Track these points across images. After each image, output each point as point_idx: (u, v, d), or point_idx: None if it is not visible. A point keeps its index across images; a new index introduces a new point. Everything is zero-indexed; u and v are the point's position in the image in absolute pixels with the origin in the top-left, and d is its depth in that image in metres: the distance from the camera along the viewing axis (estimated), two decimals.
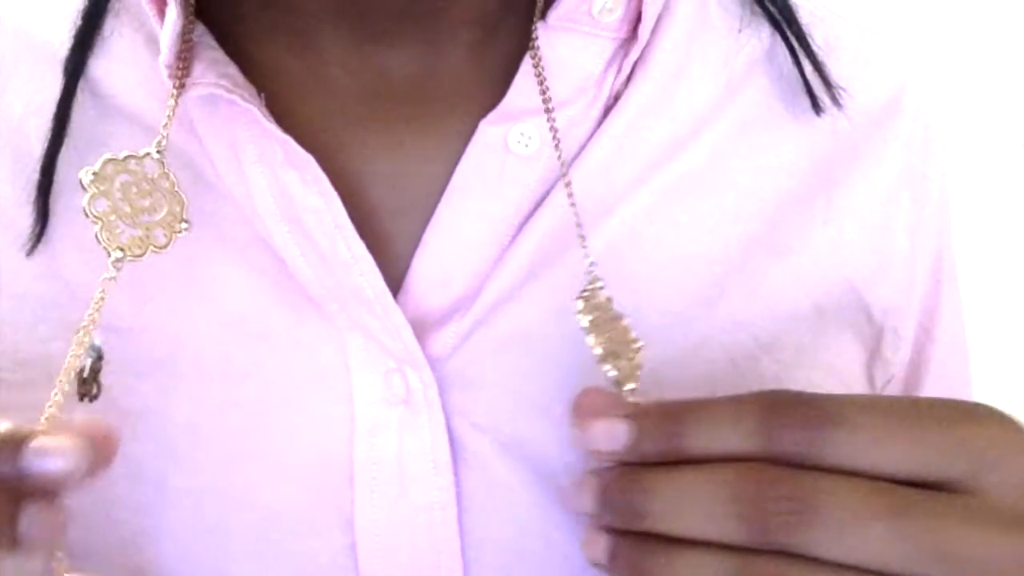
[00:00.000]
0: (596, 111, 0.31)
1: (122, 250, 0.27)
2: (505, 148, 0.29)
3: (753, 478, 0.22)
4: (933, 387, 0.36)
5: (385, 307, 0.28)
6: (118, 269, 0.27)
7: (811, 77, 0.33)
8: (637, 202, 0.31)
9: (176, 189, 0.28)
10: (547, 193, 0.30)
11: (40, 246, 0.30)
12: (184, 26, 0.29)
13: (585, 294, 0.27)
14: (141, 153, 0.28)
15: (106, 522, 0.29)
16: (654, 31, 0.31)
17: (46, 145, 0.30)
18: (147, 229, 0.28)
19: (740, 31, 0.34)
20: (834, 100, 0.33)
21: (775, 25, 0.33)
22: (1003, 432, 0.23)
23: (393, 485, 0.28)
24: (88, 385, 0.27)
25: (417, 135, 0.30)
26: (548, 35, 0.30)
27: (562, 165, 0.29)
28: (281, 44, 0.30)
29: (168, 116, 0.28)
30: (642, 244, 0.30)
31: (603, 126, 0.31)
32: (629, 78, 0.31)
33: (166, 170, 0.28)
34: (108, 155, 0.27)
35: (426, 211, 0.29)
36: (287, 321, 0.29)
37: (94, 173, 0.27)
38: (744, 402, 0.23)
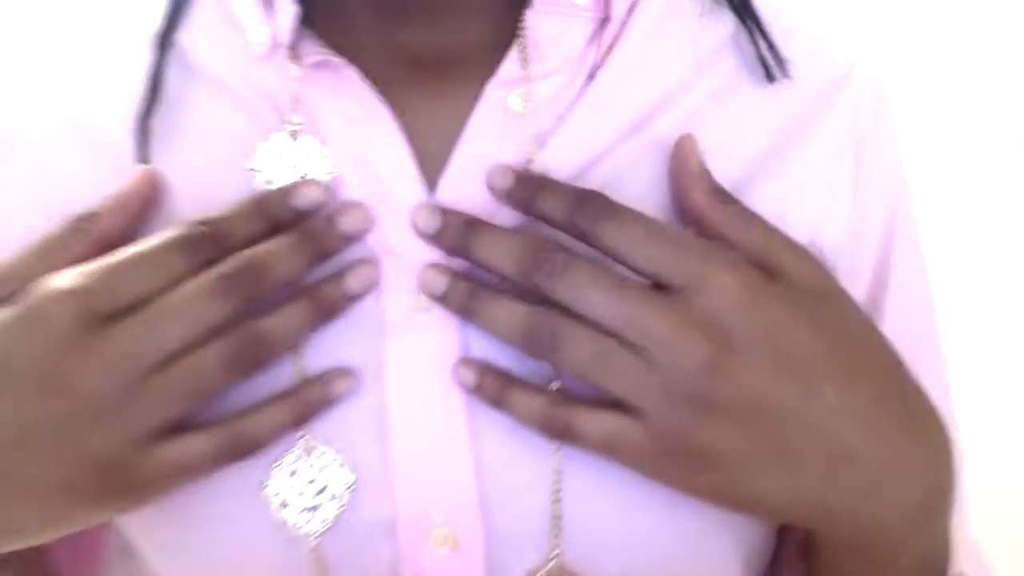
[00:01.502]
0: (580, 81, 0.38)
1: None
2: (505, 108, 0.37)
3: (540, 242, 0.33)
4: (888, 328, 0.39)
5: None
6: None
7: (766, 54, 0.40)
8: (615, 160, 0.37)
9: (315, 151, 0.37)
10: (539, 147, 0.37)
11: None
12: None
13: None
14: (287, 130, 0.37)
15: None
16: (629, 13, 0.38)
17: (139, 106, 0.38)
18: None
19: (702, 16, 0.40)
20: (784, 72, 0.40)
21: (736, 12, 0.40)
22: (722, 264, 0.33)
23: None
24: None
25: (435, 97, 0.38)
26: (536, 18, 0.37)
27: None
28: (321, 25, 0.38)
29: (294, 91, 0.37)
30: (619, 197, 0.35)
31: (585, 94, 0.38)
32: (608, 53, 0.38)
33: (299, 138, 0.37)
34: (263, 144, 0.37)
35: (442, 158, 0.37)
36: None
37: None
38: (564, 189, 0.34)
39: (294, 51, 0.37)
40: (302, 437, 0.35)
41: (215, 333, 0.33)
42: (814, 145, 0.40)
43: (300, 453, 0.35)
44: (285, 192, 0.35)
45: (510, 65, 0.37)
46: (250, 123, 0.37)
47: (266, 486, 0.35)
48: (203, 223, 0.34)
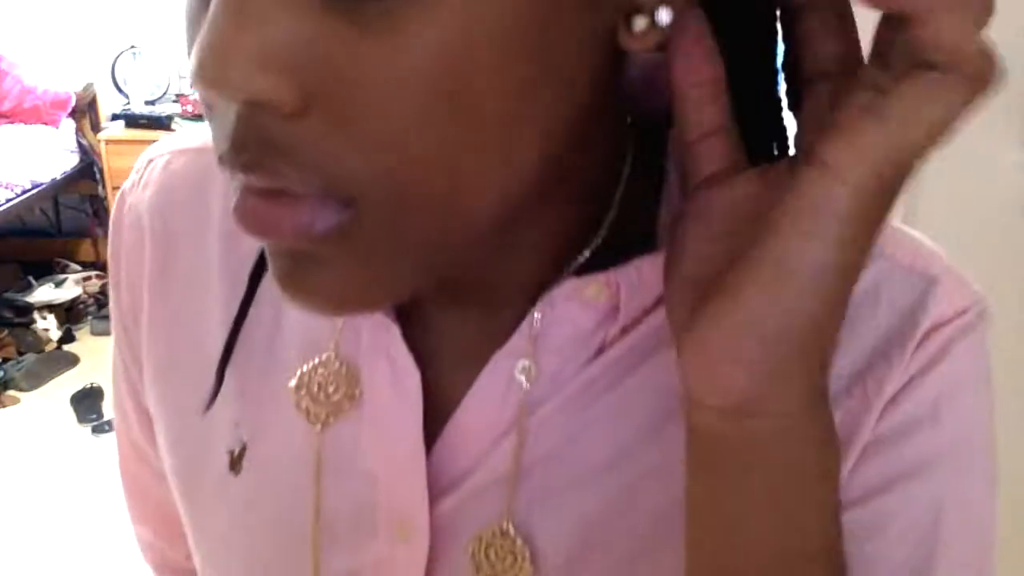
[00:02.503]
0: (584, 357, 0.39)
1: (321, 422, 0.42)
2: (510, 376, 0.39)
3: None
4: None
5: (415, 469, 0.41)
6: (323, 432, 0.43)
7: None
8: (599, 428, 0.40)
9: (348, 373, 0.42)
10: (528, 416, 0.40)
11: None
12: None
13: None
14: (323, 358, 0.42)
15: None
16: (645, 312, 0.39)
17: (226, 340, 0.43)
18: (335, 404, 0.42)
19: None
20: None
21: None
22: None
23: None
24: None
25: (460, 359, 0.41)
26: (551, 301, 0.38)
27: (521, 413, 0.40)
28: None
29: (339, 332, 0.42)
30: (597, 458, 0.40)
31: (585, 371, 0.39)
32: (620, 336, 0.39)
33: (340, 364, 0.42)
34: (301, 370, 0.42)
35: (447, 410, 0.40)
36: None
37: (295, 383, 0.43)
38: None
39: None
40: None
41: None
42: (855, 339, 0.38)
43: None
44: None
45: (519, 339, 0.39)
46: (313, 341, 0.43)
47: None
48: None
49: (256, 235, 0.30)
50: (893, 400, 0.38)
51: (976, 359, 0.39)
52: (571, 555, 0.40)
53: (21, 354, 2.88)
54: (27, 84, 3.15)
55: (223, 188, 0.45)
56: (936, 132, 0.27)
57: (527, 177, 0.31)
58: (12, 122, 3.10)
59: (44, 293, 3.07)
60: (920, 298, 0.38)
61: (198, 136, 0.48)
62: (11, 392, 2.72)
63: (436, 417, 0.40)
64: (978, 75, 0.26)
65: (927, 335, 0.38)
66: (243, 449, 0.45)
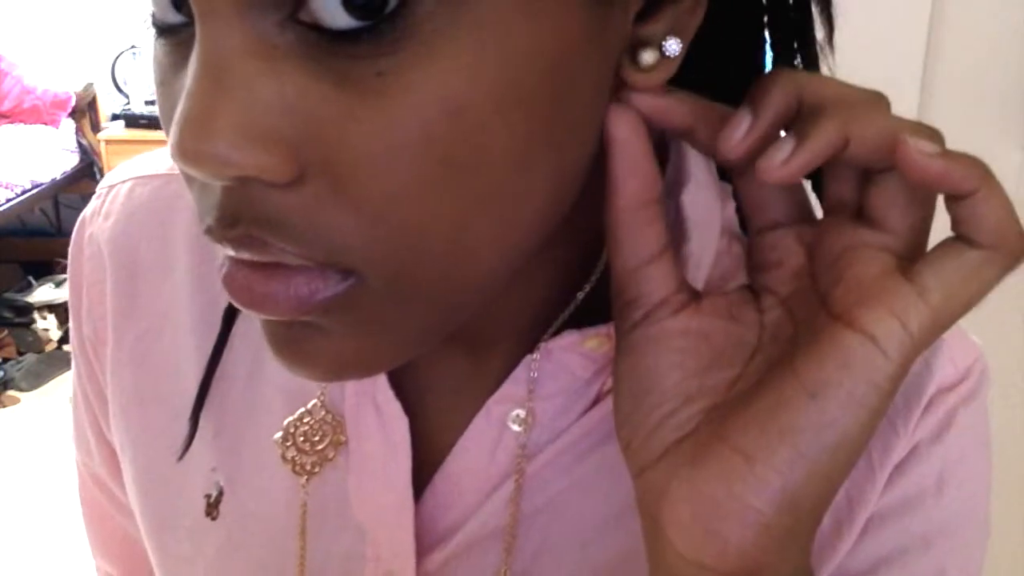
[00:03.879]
0: (581, 406, 0.38)
1: (307, 473, 0.40)
2: (503, 423, 0.38)
3: None
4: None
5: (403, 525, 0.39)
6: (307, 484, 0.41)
7: None
8: (595, 476, 0.38)
9: (333, 420, 0.40)
10: (528, 459, 0.38)
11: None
12: None
13: None
14: (309, 407, 0.40)
15: None
16: None
17: (200, 382, 0.41)
18: (320, 452, 0.40)
19: None
20: None
21: None
22: None
23: None
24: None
25: (450, 403, 0.39)
26: (548, 350, 0.37)
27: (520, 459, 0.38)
28: None
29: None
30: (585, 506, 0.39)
31: (583, 418, 0.38)
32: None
33: (326, 413, 0.40)
34: (287, 420, 0.40)
35: (441, 453, 0.39)
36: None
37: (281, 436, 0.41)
38: None
39: None
40: None
41: None
42: None
43: None
44: None
45: (513, 385, 0.38)
46: (284, 391, 0.41)
47: None
48: None
49: (250, 310, 0.28)
50: (898, 470, 0.37)
51: (979, 427, 0.39)
52: None
53: (21, 354, 2.88)
54: (27, 84, 3.15)
55: (190, 218, 0.43)
56: (972, 305, 0.27)
57: (535, 229, 0.29)
58: (12, 122, 3.10)
59: (44, 293, 3.07)
60: (924, 361, 0.38)
61: (163, 160, 0.45)
62: (11, 392, 2.72)
63: (425, 466, 0.39)
64: (1017, 254, 0.27)
65: (932, 401, 0.37)
66: (220, 494, 0.42)
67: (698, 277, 0.36)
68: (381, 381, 0.38)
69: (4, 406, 2.67)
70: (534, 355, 0.37)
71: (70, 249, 0.46)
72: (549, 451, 0.38)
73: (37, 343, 2.92)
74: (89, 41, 3.34)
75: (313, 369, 0.30)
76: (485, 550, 0.39)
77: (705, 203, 0.36)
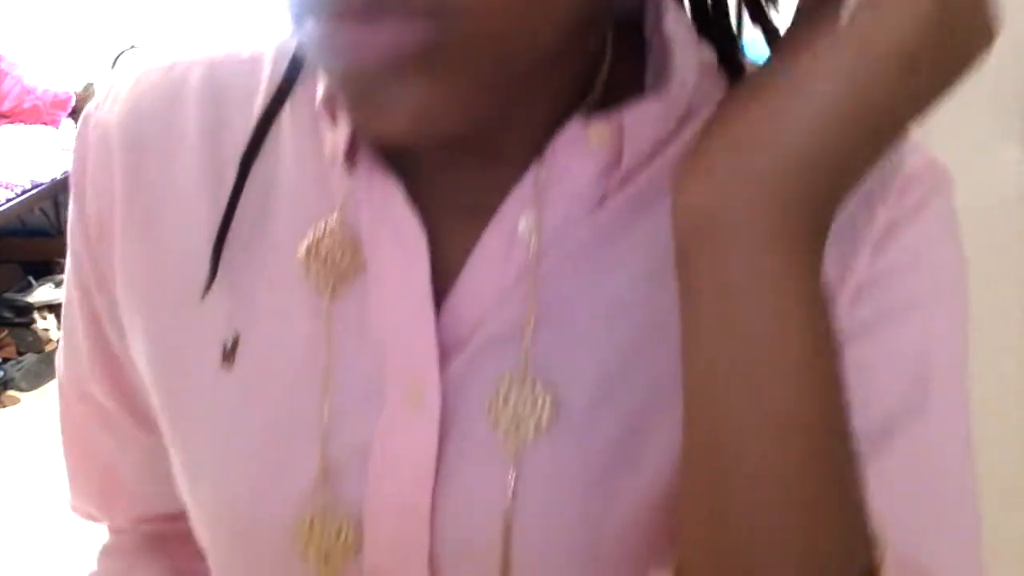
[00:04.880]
0: (588, 207, 0.41)
1: (330, 291, 0.42)
2: (514, 230, 0.40)
3: None
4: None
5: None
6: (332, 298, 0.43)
7: None
8: (613, 282, 0.41)
9: (352, 241, 0.42)
10: (536, 267, 0.41)
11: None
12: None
13: None
14: (327, 225, 0.42)
15: None
16: (649, 157, 0.40)
17: (221, 222, 0.43)
18: (340, 272, 0.42)
19: None
20: None
21: None
22: None
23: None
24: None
25: (462, 212, 0.42)
26: (554, 150, 0.40)
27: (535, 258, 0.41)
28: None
29: (345, 194, 0.42)
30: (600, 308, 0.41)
31: (589, 220, 0.41)
32: (622, 185, 0.40)
33: (344, 234, 0.42)
34: (311, 233, 0.43)
35: (458, 262, 0.41)
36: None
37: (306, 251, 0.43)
38: None
39: (353, 161, 0.41)
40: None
41: None
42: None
43: (321, 512, 0.43)
44: None
45: (521, 192, 0.40)
46: (305, 217, 0.43)
47: (297, 533, 0.43)
48: None
49: (344, 61, 0.32)
50: (879, 245, 0.40)
51: (950, 220, 0.43)
52: (592, 401, 0.40)
53: (21, 354, 2.88)
54: (27, 84, 3.15)
55: (197, 95, 0.46)
56: None
57: (570, 18, 0.34)
58: (12, 122, 3.10)
59: (44, 293, 3.07)
60: (898, 154, 0.41)
61: (162, 57, 0.48)
62: (11, 392, 2.72)
63: (442, 278, 0.41)
64: None
65: (907, 184, 0.41)
66: (236, 341, 0.44)
67: (681, 97, 0.40)
68: (397, 199, 0.41)
69: (4, 406, 2.67)
70: (541, 162, 0.40)
71: (75, 141, 0.48)
72: (558, 252, 0.41)
73: (37, 343, 2.92)
74: (89, 41, 3.35)
75: (390, 123, 0.33)
76: (504, 350, 0.41)
77: (686, 25, 0.41)
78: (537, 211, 0.40)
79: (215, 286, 0.44)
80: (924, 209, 0.41)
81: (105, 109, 0.48)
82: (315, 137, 0.43)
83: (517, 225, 0.40)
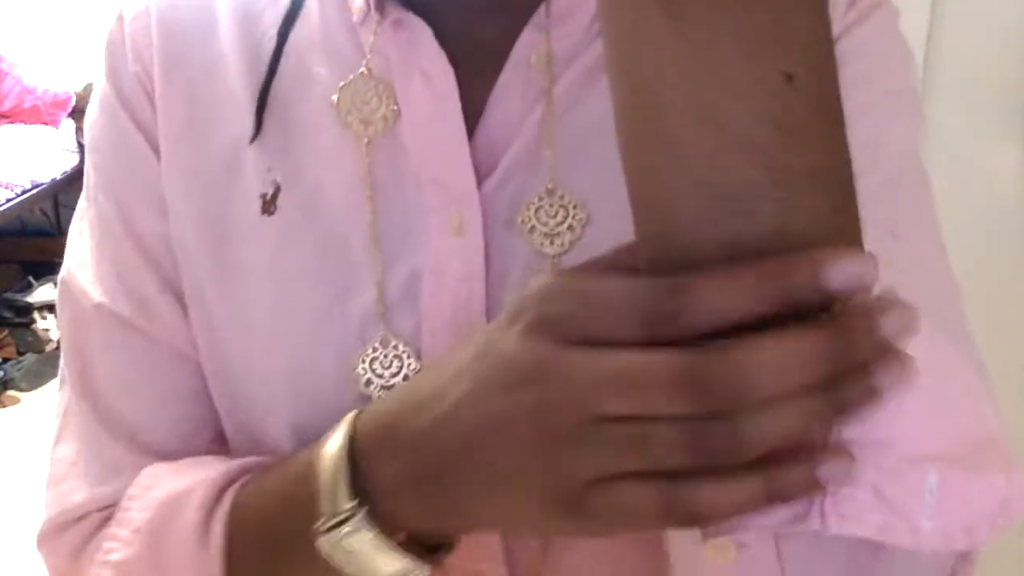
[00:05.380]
0: (590, 38, 0.46)
1: (367, 135, 0.47)
2: (528, 63, 0.46)
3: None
4: None
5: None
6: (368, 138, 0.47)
7: None
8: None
9: (384, 88, 0.47)
10: (552, 89, 0.46)
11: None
12: None
13: None
14: (358, 72, 0.47)
15: None
16: None
17: (264, 74, 0.48)
18: (375, 118, 0.47)
19: None
20: None
21: None
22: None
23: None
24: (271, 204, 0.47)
25: (483, 49, 0.46)
26: None
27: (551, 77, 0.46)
28: None
29: (372, 40, 0.47)
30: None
31: (592, 49, 0.46)
32: None
33: (375, 80, 0.47)
34: (343, 82, 0.47)
35: (482, 99, 0.46)
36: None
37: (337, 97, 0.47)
38: None
39: (381, 13, 0.46)
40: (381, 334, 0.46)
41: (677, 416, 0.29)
42: None
43: (378, 346, 0.46)
44: (812, 263, 0.28)
45: (533, 30, 0.46)
46: (340, 73, 0.47)
47: (356, 368, 0.45)
48: (680, 290, 0.29)
49: None
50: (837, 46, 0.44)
51: (898, 35, 0.48)
52: (616, 212, 0.40)
53: (21, 354, 2.88)
54: (27, 84, 3.15)
55: None
56: None
57: None
58: (12, 122, 3.10)
59: (44, 293, 3.07)
60: None
61: None
62: (11, 392, 2.72)
63: (469, 116, 0.46)
64: None
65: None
66: (277, 190, 0.47)
67: None
68: (424, 43, 0.45)
69: (4, 406, 2.67)
70: (547, 5, 0.45)
71: (108, 37, 0.52)
72: (568, 75, 0.46)
73: (37, 343, 2.92)
74: (89, 41, 3.35)
75: None
76: (531, 169, 0.45)
77: None
78: (547, 44, 0.45)
79: (256, 143, 0.48)
80: (871, 16, 0.46)
81: (140, 5, 0.51)
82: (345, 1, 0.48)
83: (530, 58, 0.45)
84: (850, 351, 0.28)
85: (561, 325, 0.31)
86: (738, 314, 0.28)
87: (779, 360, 0.28)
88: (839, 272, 0.28)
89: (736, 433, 0.28)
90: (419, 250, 0.46)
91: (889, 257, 0.37)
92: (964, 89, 1.29)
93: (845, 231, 0.30)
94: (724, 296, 0.28)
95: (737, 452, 0.28)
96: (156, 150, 0.50)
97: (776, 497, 0.30)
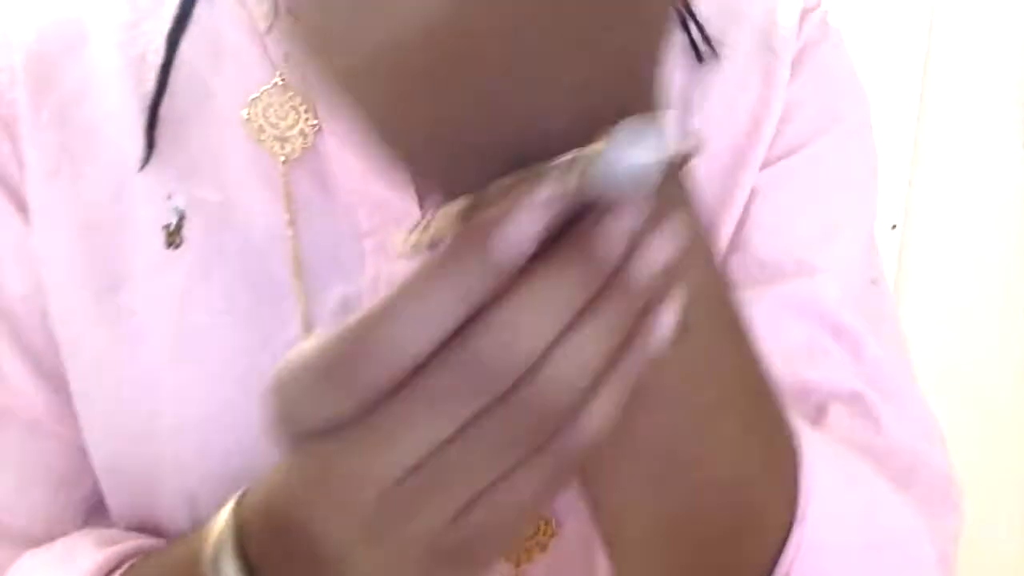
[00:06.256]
0: None
1: (284, 155, 0.42)
2: None
3: None
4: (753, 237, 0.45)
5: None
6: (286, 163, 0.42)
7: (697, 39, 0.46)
8: None
9: (301, 102, 0.42)
10: None
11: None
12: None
13: None
14: (269, 85, 0.42)
15: None
16: None
17: (152, 90, 0.42)
18: (292, 137, 0.42)
19: None
20: (715, 54, 0.46)
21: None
22: None
23: None
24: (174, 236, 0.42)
25: None
26: None
27: None
28: None
29: (281, 63, 0.42)
30: None
31: None
32: None
33: (290, 92, 0.42)
34: (254, 95, 0.42)
35: None
36: None
37: (248, 113, 0.42)
38: None
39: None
40: None
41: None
42: (722, 74, 0.46)
43: None
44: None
45: None
46: (244, 86, 0.43)
47: None
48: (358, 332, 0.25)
49: None
50: (794, 68, 0.46)
51: (844, 51, 0.48)
52: None
53: None
54: None
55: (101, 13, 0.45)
56: None
57: None
58: None
59: None
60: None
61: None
62: None
63: None
64: None
65: (803, 16, 0.46)
66: (181, 219, 0.43)
67: None
68: None
69: None
70: None
71: None
72: None
73: None
74: None
75: None
76: None
77: None
78: None
79: (150, 168, 0.42)
80: (828, 35, 0.47)
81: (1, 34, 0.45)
82: (246, 6, 0.44)
83: None
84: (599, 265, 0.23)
85: (295, 423, 0.26)
86: (441, 333, 0.24)
87: (536, 313, 0.23)
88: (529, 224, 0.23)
89: (529, 406, 0.24)
90: (352, 276, 0.42)
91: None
92: (964, 89, 1.29)
93: None
94: (409, 325, 0.24)
95: (544, 420, 0.24)
96: (21, 202, 0.44)
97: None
